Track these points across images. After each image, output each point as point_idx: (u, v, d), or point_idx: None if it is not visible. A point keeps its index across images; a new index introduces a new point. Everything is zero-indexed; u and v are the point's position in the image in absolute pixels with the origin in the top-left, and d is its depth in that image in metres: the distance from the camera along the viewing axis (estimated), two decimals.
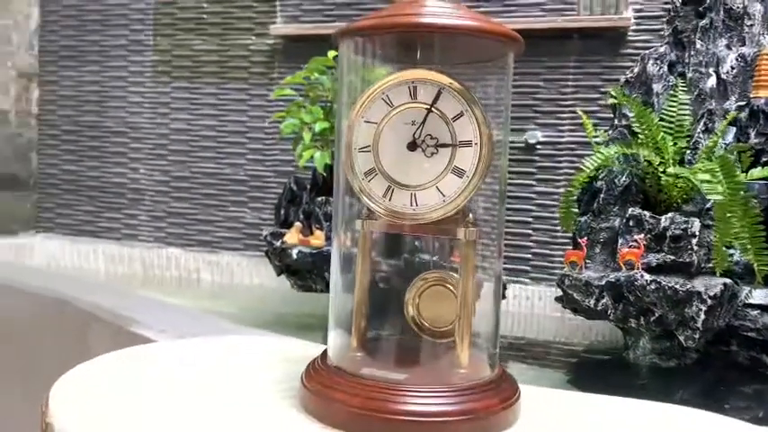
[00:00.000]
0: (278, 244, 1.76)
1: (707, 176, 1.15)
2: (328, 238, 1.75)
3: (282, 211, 1.92)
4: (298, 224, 1.77)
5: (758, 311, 1.37)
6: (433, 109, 0.58)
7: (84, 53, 2.69)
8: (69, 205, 2.73)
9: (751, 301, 1.38)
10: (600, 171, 1.34)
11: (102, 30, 2.66)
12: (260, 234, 2.48)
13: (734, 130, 1.45)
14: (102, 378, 0.64)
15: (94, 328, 1.22)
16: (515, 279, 2.10)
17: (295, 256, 1.71)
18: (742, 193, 1.15)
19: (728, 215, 1.13)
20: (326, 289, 1.85)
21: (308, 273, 1.76)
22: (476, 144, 0.57)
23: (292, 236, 1.74)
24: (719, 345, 1.48)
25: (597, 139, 1.47)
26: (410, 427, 0.55)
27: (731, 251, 1.25)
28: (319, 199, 1.78)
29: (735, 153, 1.30)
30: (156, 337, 1.07)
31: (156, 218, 2.61)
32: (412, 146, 0.59)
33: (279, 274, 1.85)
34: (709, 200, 1.34)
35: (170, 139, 2.59)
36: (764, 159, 1.50)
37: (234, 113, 2.50)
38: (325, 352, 0.64)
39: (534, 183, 2.05)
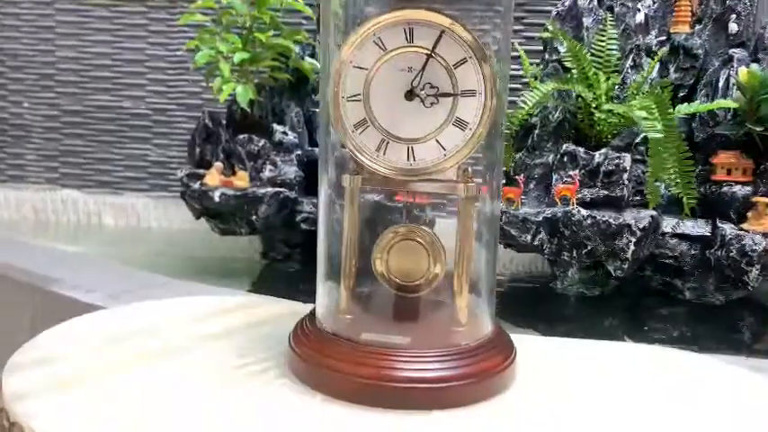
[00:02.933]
0: (197, 186, 1.66)
1: (644, 113, 1.19)
2: (253, 179, 1.67)
3: (198, 150, 1.80)
4: (218, 164, 1.67)
5: (676, 240, 1.46)
6: (433, 55, 0.53)
7: None
8: None
9: (668, 230, 1.47)
10: (534, 107, 1.35)
11: None
12: (168, 173, 2.34)
13: (657, 65, 1.50)
14: (59, 358, 0.57)
15: (9, 289, 1.10)
16: None
17: (218, 199, 1.62)
18: (677, 130, 1.19)
19: (663, 152, 1.17)
20: (252, 232, 1.77)
21: (231, 215, 1.68)
22: (480, 94, 0.54)
23: (213, 177, 1.65)
24: (636, 271, 1.57)
25: (532, 73, 1.47)
26: (415, 393, 0.53)
27: (656, 183, 1.31)
28: (241, 137, 1.68)
29: (658, 89, 1.35)
30: (88, 299, 0.99)
31: (47, 157, 2.39)
32: (409, 95, 0.54)
33: (198, 218, 1.76)
34: (639, 134, 1.39)
35: (57, 68, 2.34)
36: (682, 94, 1.57)
37: (131, 40, 2.29)
38: (313, 312, 0.61)
39: None
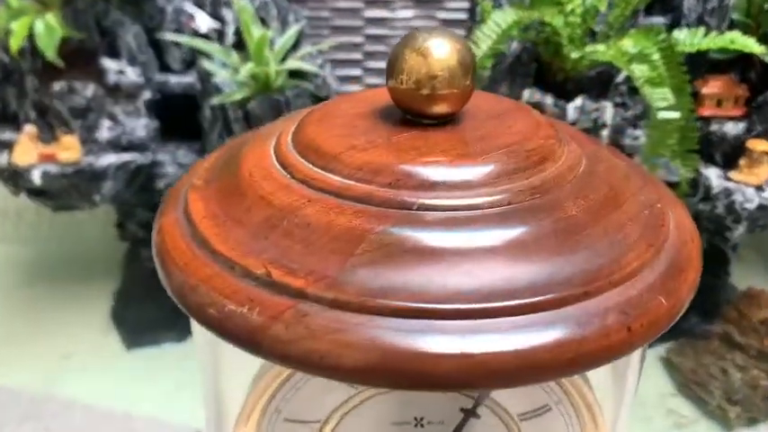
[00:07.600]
0: (4, 163, 1.25)
1: (646, 69, 0.92)
2: (85, 141, 1.28)
3: None
4: (29, 129, 1.25)
5: None
6: (476, 410, 0.25)
7: None
8: None
9: None
10: (490, 52, 1.03)
11: None
12: None
13: None
14: None
15: None
16: None
17: (39, 181, 1.24)
18: (687, 88, 0.94)
19: (669, 124, 0.93)
20: (95, 204, 1.40)
21: (64, 192, 1.31)
22: None
23: (25, 149, 1.24)
24: None
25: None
26: None
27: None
28: (58, 87, 1.24)
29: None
30: None
31: None
32: None
33: (17, 195, 1.36)
34: (620, 72, 1.13)
35: None
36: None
37: None
38: None
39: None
